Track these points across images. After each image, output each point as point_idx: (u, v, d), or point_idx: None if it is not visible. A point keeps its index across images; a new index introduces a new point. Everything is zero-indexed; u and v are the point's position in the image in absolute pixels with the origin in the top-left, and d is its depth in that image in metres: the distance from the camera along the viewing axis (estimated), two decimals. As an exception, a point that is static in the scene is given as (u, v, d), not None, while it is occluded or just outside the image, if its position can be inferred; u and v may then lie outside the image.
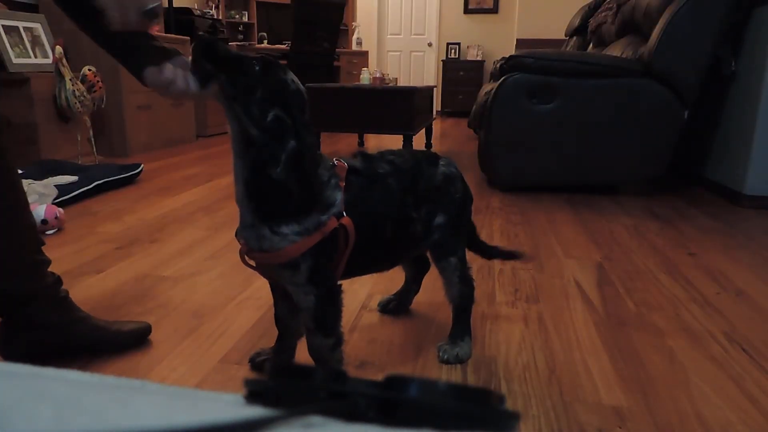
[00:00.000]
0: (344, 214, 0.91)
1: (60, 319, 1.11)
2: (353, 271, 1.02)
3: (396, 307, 1.38)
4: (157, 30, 3.88)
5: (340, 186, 0.92)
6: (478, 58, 7.28)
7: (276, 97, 0.82)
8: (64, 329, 1.11)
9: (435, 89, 5.94)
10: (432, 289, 1.52)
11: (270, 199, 0.85)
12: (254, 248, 0.89)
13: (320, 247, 0.88)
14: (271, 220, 0.86)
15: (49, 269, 1.14)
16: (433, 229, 1.09)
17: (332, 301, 0.94)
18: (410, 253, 1.19)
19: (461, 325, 1.18)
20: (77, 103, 3.02)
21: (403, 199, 1.01)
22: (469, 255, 1.21)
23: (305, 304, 0.92)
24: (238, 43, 5.50)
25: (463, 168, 3.47)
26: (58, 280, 1.15)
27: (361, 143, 4.61)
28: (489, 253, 1.32)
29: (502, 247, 1.34)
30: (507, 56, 2.80)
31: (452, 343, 1.16)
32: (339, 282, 0.97)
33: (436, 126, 6.17)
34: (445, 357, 1.14)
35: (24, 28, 3.16)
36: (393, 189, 1.00)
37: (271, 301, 1.25)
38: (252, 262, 0.93)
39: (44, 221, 1.93)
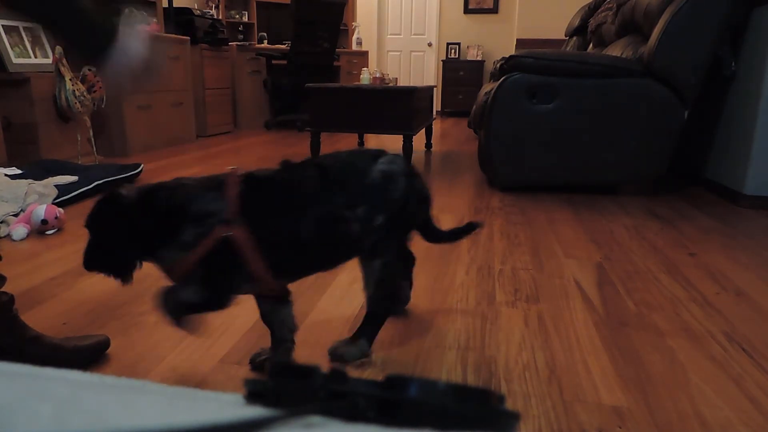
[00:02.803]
0: (230, 222, 0.92)
1: (12, 341, 1.04)
2: (290, 274, 1.05)
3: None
4: (156, 29, 3.88)
5: (223, 197, 0.93)
6: (478, 58, 7.28)
7: None
8: (16, 351, 1.04)
9: (435, 89, 5.94)
10: (432, 290, 1.52)
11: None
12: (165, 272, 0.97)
13: (211, 258, 0.91)
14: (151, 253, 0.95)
15: (4, 288, 1.07)
16: (375, 230, 1.04)
17: (219, 300, 0.98)
18: (353, 253, 1.11)
19: (364, 327, 1.14)
20: (77, 103, 3.02)
21: (329, 199, 1.00)
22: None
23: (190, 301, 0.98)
24: (238, 43, 5.50)
25: (463, 168, 3.48)
26: (11, 299, 1.07)
27: (361, 143, 4.61)
28: (446, 237, 1.26)
29: (457, 228, 1.28)
30: (507, 56, 2.80)
31: (346, 342, 1.15)
32: (286, 285, 1.05)
33: (436, 126, 6.17)
34: (330, 350, 1.14)
35: (24, 28, 3.16)
36: (306, 191, 0.99)
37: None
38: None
39: (44, 221, 1.93)
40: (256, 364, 1.12)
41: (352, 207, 1.01)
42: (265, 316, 1.09)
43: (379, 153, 1.08)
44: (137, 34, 0.86)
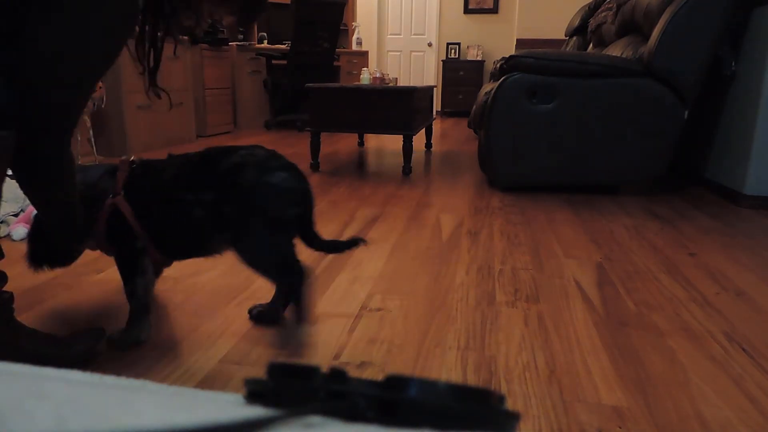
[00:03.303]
0: (116, 194, 1.15)
1: (9, 338, 1.05)
2: (166, 248, 1.21)
3: (261, 314, 1.32)
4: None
5: (115, 176, 1.17)
6: (478, 58, 7.28)
7: None
8: (13, 347, 1.05)
9: (435, 89, 5.94)
10: (432, 290, 1.52)
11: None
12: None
13: (108, 222, 1.15)
14: None
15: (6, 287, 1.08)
16: (226, 218, 1.12)
17: (128, 257, 1.19)
18: (207, 239, 1.17)
19: (277, 300, 1.25)
20: (77, 103, 3.02)
21: (181, 183, 1.13)
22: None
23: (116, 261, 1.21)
24: (238, 43, 5.50)
25: (463, 168, 3.48)
26: (11, 298, 1.08)
27: (361, 143, 4.61)
28: (325, 246, 1.25)
29: (340, 241, 1.25)
30: (507, 56, 2.80)
31: (267, 306, 1.26)
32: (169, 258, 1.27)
33: (436, 126, 6.17)
34: (252, 310, 1.27)
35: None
36: (164, 176, 1.15)
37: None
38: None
39: (44, 221, 1.93)
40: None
41: (198, 192, 1.12)
42: (139, 285, 1.21)
43: (254, 148, 1.15)
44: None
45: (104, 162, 1.26)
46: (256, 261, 1.15)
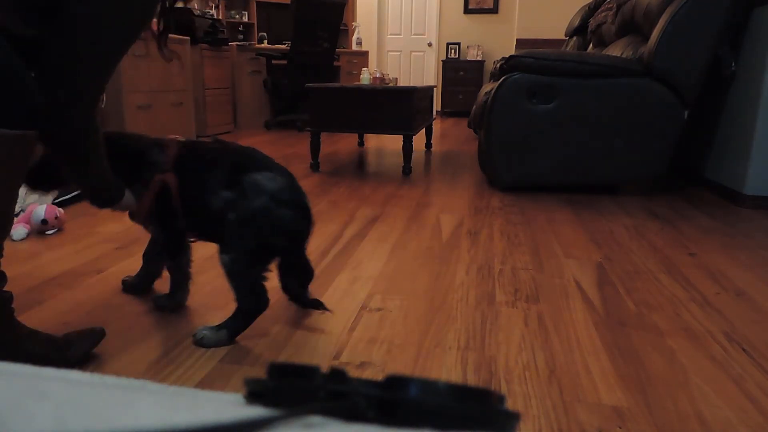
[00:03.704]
0: (165, 171, 1.20)
1: (8, 337, 1.05)
2: (191, 225, 1.25)
3: (132, 285, 1.47)
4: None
5: (162, 151, 1.21)
6: (478, 58, 7.28)
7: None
8: (10, 346, 1.05)
9: (435, 89, 5.94)
10: (432, 290, 1.52)
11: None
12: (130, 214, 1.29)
13: (156, 200, 1.21)
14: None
15: (6, 285, 1.08)
16: (228, 223, 1.17)
17: (175, 239, 1.28)
18: (214, 231, 1.23)
19: (230, 318, 1.22)
20: (77, 103, 3.02)
21: (209, 172, 1.19)
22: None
23: (161, 241, 1.32)
24: (238, 43, 5.50)
25: (463, 168, 3.48)
26: (11, 298, 1.08)
27: (361, 143, 4.61)
28: (296, 298, 1.33)
29: (309, 298, 1.32)
30: (507, 56, 2.80)
31: (211, 328, 1.21)
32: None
33: (436, 126, 6.17)
34: (194, 335, 1.21)
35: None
36: (204, 162, 1.21)
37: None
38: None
39: (44, 221, 1.93)
40: (126, 285, 1.44)
41: (219, 190, 1.17)
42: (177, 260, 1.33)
43: (282, 171, 1.21)
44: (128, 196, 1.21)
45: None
46: (231, 272, 1.19)
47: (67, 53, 0.94)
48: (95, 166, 1.09)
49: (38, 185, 1.22)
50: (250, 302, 1.21)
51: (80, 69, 0.96)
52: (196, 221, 1.24)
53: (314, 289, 1.51)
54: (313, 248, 1.85)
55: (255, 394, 0.23)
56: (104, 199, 1.18)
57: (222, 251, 1.19)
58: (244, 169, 1.18)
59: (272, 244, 1.19)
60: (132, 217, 1.29)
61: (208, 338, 1.19)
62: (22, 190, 2.12)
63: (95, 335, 1.14)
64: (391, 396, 0.21)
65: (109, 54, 0.98)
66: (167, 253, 1.32)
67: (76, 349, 1.11)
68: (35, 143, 1.00)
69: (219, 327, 1.20)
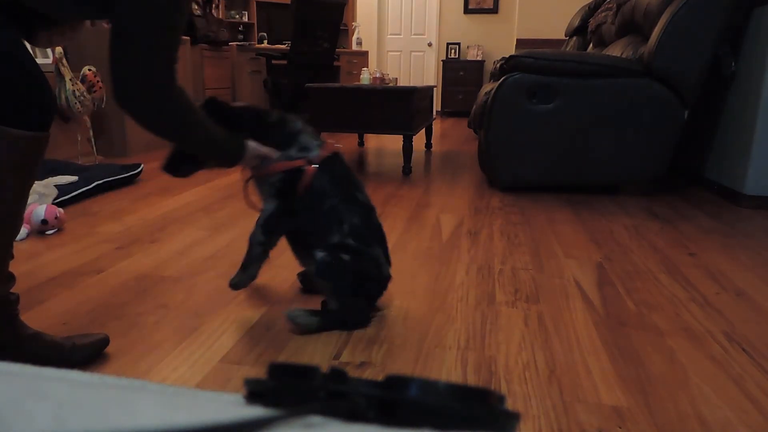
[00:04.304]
0: (313, 163, 1.26)
1: (12, 339, 1.06)
2: (300, 225, 1.30)
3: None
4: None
5: (319, 146, 1.29)
6: (478, 58, 7.28)
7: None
8: (13, 348, 1.05)
9: (435, 89, 5.94)
10: (432, 290, 1.52)
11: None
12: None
13: (290, 174, 1.25)
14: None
15: (13, 286, 1.09)
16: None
17: (279, 217, 1.29)
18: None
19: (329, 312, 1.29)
20: (77, 103, 3.02)
21: (342, 195, 1.28)
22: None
23: (264, 209, 1.30)
24: (238, 43, 5.50)
25: (463, 168, 3.48)
26: (17, 299, 1.09)
27: (361, 143, 4.61)
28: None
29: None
30: (507, 56, 2.80)
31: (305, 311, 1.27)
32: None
33: (436, 126, 6.17)
34: (289, 314, 1.25)
35: (24, 28, 3.16)
36: (339, 188, 1.29)
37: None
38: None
39: (44, 221, 1.93)
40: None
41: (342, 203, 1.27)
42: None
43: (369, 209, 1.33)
44: (252, 146, 1.23)
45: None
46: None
47: (121, 46, 0.97)
48: (200, 139, 1.11)
49: (178, 171, 1.26)
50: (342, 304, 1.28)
51: (136, 53, 0.97)
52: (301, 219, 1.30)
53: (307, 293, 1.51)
54: (313, 248, 1.85)
55: (255, 394, 0.23)
56: (227, 162, 1.21)
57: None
58: (356, 201, 1.29)
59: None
60: (254, 170, 1.29)
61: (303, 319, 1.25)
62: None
63: (99, 342, 1.15)
64: (391, 396, 0.21)
65: (158, 34, 0.98)
66: (263, 227, 1.30)
67: (80, 355, 1.11)
68: (47, 145, 1.02)
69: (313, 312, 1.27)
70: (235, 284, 1.33)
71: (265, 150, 1.25)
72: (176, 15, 0.98)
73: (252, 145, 1.23)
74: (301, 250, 1.37)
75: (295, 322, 1.24)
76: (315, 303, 1.42)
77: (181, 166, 1.25)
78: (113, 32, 0.96)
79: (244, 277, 1.33)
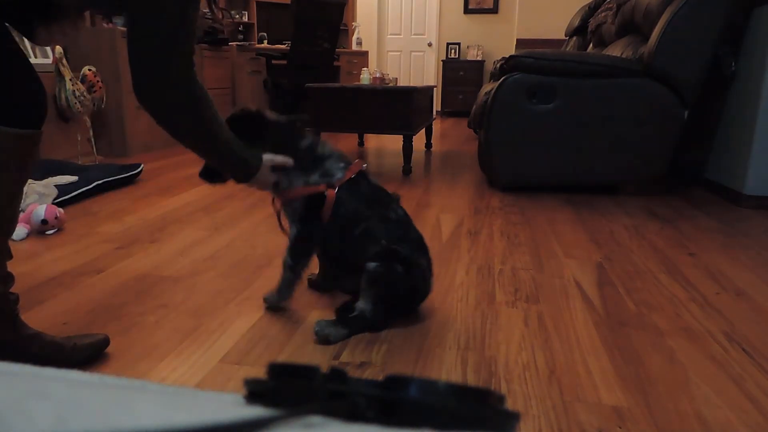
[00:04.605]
0: (335, 187, 1.26)
1: (12, 338, 1.05)
2: (328, 249, 1.34)
3: (316, 283, 1.53)
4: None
5: (343, 169, 1.28)
6: (478, 58, 7.28)
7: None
8: (13, 348, 1.05)
9: (435, 89, 5.94)
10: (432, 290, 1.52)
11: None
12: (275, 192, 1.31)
13: (311, 199, 1.26)
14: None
15: (12, 286, 1.08)
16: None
17: (307, 240, 1.31)
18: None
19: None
20: (77, 103, 3.02)
21: (363, 210, 1.28)
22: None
23: (291, 234, 1.32)
24: (238, 43, 5.50)
25: (463, 168, 3.48)
26: (17, 299, 1.09)
27: (361, 143, 4.61)
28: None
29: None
30: (507, 56, 2.80)
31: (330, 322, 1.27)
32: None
33: (436, 126, 6.17)
34: (317, 330, 1.24)
35: (24, 28, 3.15)
36: (360, 196, 1.29)
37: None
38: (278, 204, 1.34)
39: (44, 221, 1.93)
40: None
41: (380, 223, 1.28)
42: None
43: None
44: (268, 165, 1.23)
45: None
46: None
47: (137, 41, 0.98)
48: (216, 145, 1.11)
49: (213, 179, 1.31)
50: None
51: (150, 51, 0.98)
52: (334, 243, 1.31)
53: (314, 290, 1.51)
54: (313, 248, 1.85)
55: (255, 394, 0.23)
56: (239, 176, 1.21)
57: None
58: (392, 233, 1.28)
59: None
60: (275, 195, 1.32)
61: (334, 334, 1.24)
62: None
63: (100, 342, 1.14)
64: (391, 396, 0.21)
65: (171, 29, 0.99)
66: (290, 252, 1.32)
67: (80, 355, 1.11)
68: (39, 142, 1.02)
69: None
70: (267, 301, 1.38)
71: (279, 160, 1.24)
72: (189, 8, 0.99)
73: (267, 158, 1.22)
74: (337, 268, 1.41)
75: (324, 338, 1.22)
76: (315, 303, 1.42)
77: (216, 174, 1.30)
78: (128, 27, 0.97)
79: (276, 298, 1.37)
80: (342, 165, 1.29)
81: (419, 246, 1.31)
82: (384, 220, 1.27)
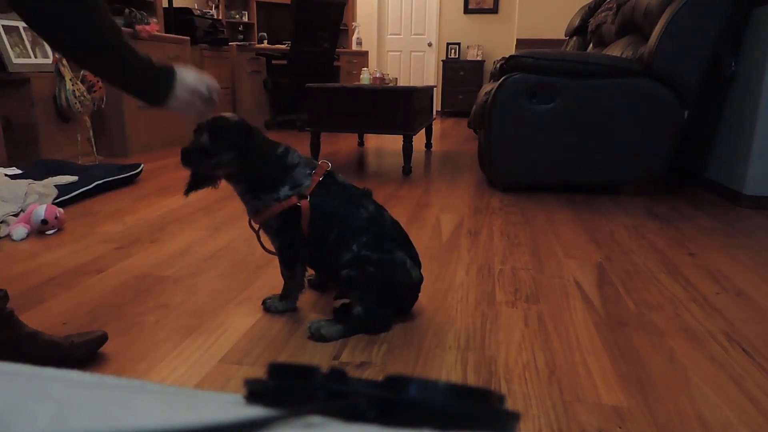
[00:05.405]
0: (306, 197, 1.25)
1: (8, 337, 1.05)
2: (312, 256, 1.33)
3: (316, 283, 1.55)
4: (156, 29, 3.88)
5: (310, 176, 1.27)
6: (478, 58, 7.28)
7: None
8: (10, 347, 1.05)
9: (435, 89, 5.94)
10: (432, 290, 1.52)
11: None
12: (251, 214, 1.32)
13: (286, 213, 1.26)
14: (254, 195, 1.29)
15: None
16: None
17: (292, 248, 1.31)
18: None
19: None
20: (77, 103, 3.02)
21: (343, 212, 1.28)
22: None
23: (275, 246, 1.33)
24: (238, 43, 5.50)
25: (463, 168, 3.48)
26: (5, 297, 1.07)
27: (361, 143, 4.61)
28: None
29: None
30: (507, 56, 2.80)
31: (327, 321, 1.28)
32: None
33: (436, 126, 6.17)
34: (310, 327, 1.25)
35: (24, 28, 3.16)
36: (336, 199, 1.28)
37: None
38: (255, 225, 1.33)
39: (44, 221, 1.93)
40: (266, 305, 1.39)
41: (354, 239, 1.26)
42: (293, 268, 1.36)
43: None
44: (188, 79, 1.03)
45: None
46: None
47: None
48: (119, 59, 0.95)
49: (199, 188, 1.33)
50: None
51: None
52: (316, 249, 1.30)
53: (314, 290, 1.51)
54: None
55: (255, 394, 0.23)
56: (152, 95, 1.02)
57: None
58: (368, 231, 1.27)
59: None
60: (253, 218, 1.32)
61: (327, 331, 1.24)
62: (22, 190, 2.12)
63: (98, 338, 1.14)
64: (391, 396, 0.21)
65: None
66: (282, 263, 1.33)
67: (79, 352, 1.11)
68: None
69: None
70: (267, 305, 1.38)
71: (197, 82, 1.04)
72: None
73: (185, 74, 1.03)
74: (322, 274, 1.43)
75: (318, 334, 1.23)
76: (315, 303, 1.42)
77: (202, 179, 1.31)
78: None
79: (282, 306, 1.37)
80: (308, 171, 1.28)
81: (397, 239, 1.30)
82: (356, 221, 1.27)
